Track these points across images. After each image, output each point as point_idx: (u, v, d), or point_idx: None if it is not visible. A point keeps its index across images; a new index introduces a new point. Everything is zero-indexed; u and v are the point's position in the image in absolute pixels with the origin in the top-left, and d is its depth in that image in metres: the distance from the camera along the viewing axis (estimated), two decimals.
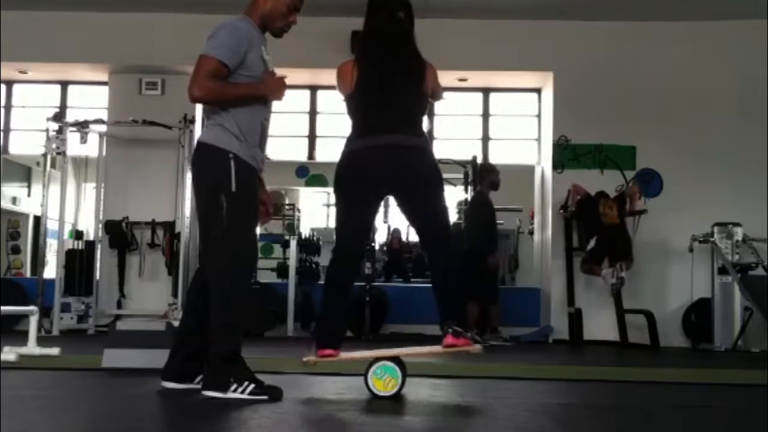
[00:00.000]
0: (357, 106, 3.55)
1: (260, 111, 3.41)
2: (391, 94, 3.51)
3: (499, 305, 7.92)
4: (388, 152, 3.42)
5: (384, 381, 3.31)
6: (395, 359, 3.38)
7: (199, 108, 9.12)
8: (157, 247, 8.77)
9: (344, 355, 3.50)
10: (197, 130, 8.84)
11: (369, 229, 3.69)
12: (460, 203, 8.57)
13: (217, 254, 3.31)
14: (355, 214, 3.53)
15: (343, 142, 3.57)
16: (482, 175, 7.97)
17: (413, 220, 3.62)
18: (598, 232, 7.98)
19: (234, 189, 3.26)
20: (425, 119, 3.66)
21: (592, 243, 8.00)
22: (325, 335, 3.47)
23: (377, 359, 3.36)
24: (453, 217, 9.34)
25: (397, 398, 3.37)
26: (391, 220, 9.33)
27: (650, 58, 8.68)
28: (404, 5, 3.65)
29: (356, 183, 3.47)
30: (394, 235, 10.37)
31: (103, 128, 8.58)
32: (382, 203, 3.85)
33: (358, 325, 8.14)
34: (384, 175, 3.44)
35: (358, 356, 3.62)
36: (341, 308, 3.50)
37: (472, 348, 3.40)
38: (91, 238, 8.82)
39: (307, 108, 9.51)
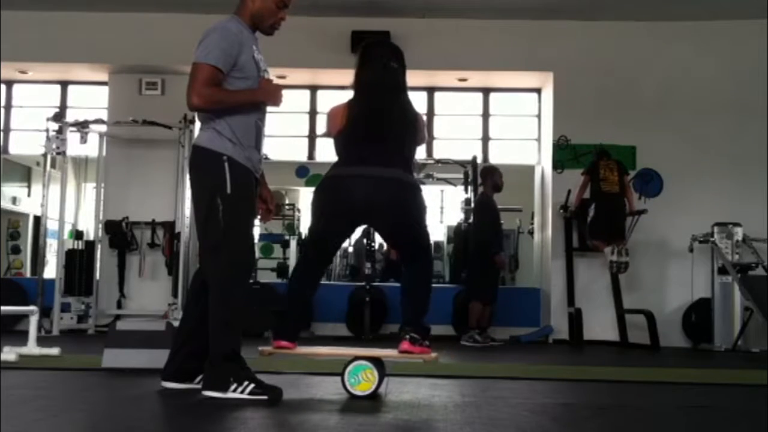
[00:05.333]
0: (346, 140, 3.59)
1: (254, 113, 3.41)
2: (383, 131, 3.55)
3: (494, 307, 7.91)
4: (375, 184, 3.46)
5: (360, 380, 3.33)
6: (373, 358, 3.39)
7: None
8: (157, 247, 8.77)
9: (302, 349, 3.59)
10: (197, 131, 8.85)
11: (338, 247, 3.80)
12: (463, 203, 8.57)
13: (216, 255, 3.32)
14: (327, 234, 3.62)
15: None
16: (484, 177, 7.98)
17: (395, 247, 3.81)
18: (597, 200, 7.94)
19: (229, 191, 3.28)
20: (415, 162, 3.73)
21: (591, 212, 7.98)
22: (283, 328, 3.53)
23: (355, 358, 3.38)
24: (456, 217, 9.36)
25: (397, 398, 3.37)
26: None
27: (650, 58, 8.68)
28: (396, 55, 3.69)
29: (337, 206, 3.52)
30: None
31: (103, 128, 8.58)
32: None
33: (357, 325, 8.16)
34: (368, 206, 3.47)
35: (315, 352, 3.82)
36: (301, 304, 3.64)
37: (426, 356, 3.46)
38: (91, 238, 8.82)
39: (307, 108, 9.50)
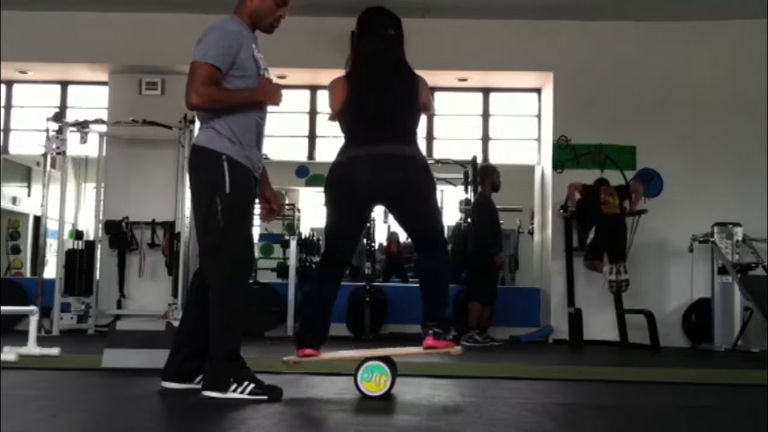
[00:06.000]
0: (349, 119, 3.57)
1: (254, 111, 3.40)
2: (384, 107, 3.53)
3: (494, 307, 7.91)
4: (378, 162, 3.44)
5: (373, 381, 3.31)
6: (385, 359, 3.38)
7: None
8: (157, 247, 8.76)
9: (327, 355, 3.52)
10: (197, 131, 8.85)
11: (358, 236, 3.71)
12: (461, 203, 8.59)
13: (215, 256, 3.31)
14: (343, 222, 3.56)
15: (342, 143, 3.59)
16: (482, 177, 7.99)
17: (404, 226, 3.67)
18: (597, 223, 7.95)
19: (228, 190, 3.26)
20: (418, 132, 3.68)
21: (591, 234, 7.98)
22: (307, 335, 3.50)
23: (367, 359, 3.36)
24: (455, 217, 9.37)
25: (398, 398, 3.37)
26: (391, 222, 9.34)
27: (650, 58, 8.68)
28: (394, 22, 3.68)
29: (346, 193, 3.49)
30: (392, 238, 10.38)
31: (103, 128, 8.58)
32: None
33: (357, 325, 8.16)
34: (374, 186, 3.45)
35: (340, 356, 3.68)
36: (326, 310, 3.54)
37: (452, 350, 3.42)
38: (91, 238, 8.82)
39: (307, 108, 9.51)
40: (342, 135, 3.61)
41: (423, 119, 3.75)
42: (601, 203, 7.98)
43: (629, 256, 8.00)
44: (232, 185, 3.27)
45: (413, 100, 3.58)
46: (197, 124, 8.27)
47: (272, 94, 3.42)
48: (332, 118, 3.68)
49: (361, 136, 3.51)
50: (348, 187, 3.47)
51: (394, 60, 3.62)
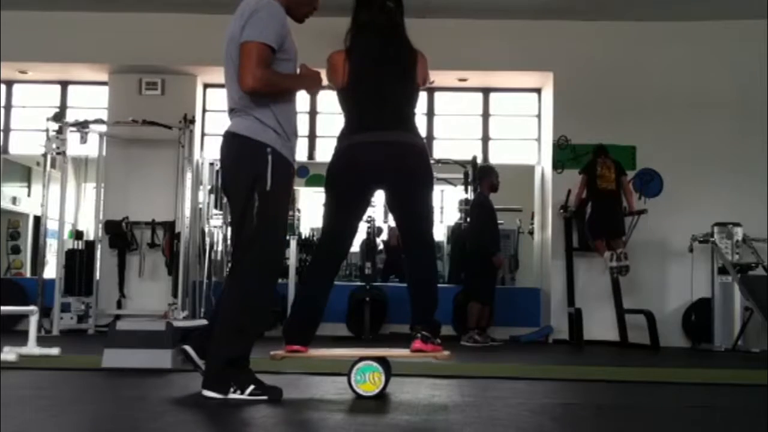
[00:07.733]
0: (351, 101, 3.54)
1: (294, 100, 3.31)
2: (385, 89, 3.50)
3: (493, 307, 7.91)
4: (386, 149, 3.41)
5: (367, 381, 3.30)
6: (377, 357, 3.36)
7: (198, 107, 9.16)
8: (157, 247, 8.77)
9: (314, 352, 3.50)
10: (197, 130, 8.85)
11: (356, 229, 3.64)
12: (461, 202, 8.58)
13: (245, 254, 3.17)
14: (346, 212, 3.52)
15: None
16: (481, 177, 7.99)
17: (400, 218, 3.59)
18: (593, 197, 7.95)
19: (269, 188, 3.10)
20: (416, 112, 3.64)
21: (588, 210, 7.98)
22: (296, 331, 3.44)
23: (358, 361, 3.35)
24: (455, 217, 9.37)
25: (397, 398, 3.37)
26: (391, 221, 9.34)
27: (650, 58, 8.68)
28: None
29: (353, 179, 3.46)
30: (393, 233, 10.37)
31: (103, 128, 8.58)
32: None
33: (358, 325, 8.15)
34: (381, 172, 3.42)
35: (328, 354, 3.70)
36: (317, 306, 3.49)
37: (439, 354, 3.40)
38: (91, 238, 8.82)
39: (307, 108, 9.51)
40: (342, 112, 3.57)
41: (422, 97, 3.71)
42: (597, 176, 7.95)
43: (628, 256, 7.99)
44: (273, 181, 3.11)
45: (413, 77, 3.54)
46: (197, 123, 8.30)
47: (316, 81, 3.33)
48: (331, 88, 3.61)
49: (363, 120, 3.48)
50: (352, 170, 3.43)
51: (393, 34, 3.56)
